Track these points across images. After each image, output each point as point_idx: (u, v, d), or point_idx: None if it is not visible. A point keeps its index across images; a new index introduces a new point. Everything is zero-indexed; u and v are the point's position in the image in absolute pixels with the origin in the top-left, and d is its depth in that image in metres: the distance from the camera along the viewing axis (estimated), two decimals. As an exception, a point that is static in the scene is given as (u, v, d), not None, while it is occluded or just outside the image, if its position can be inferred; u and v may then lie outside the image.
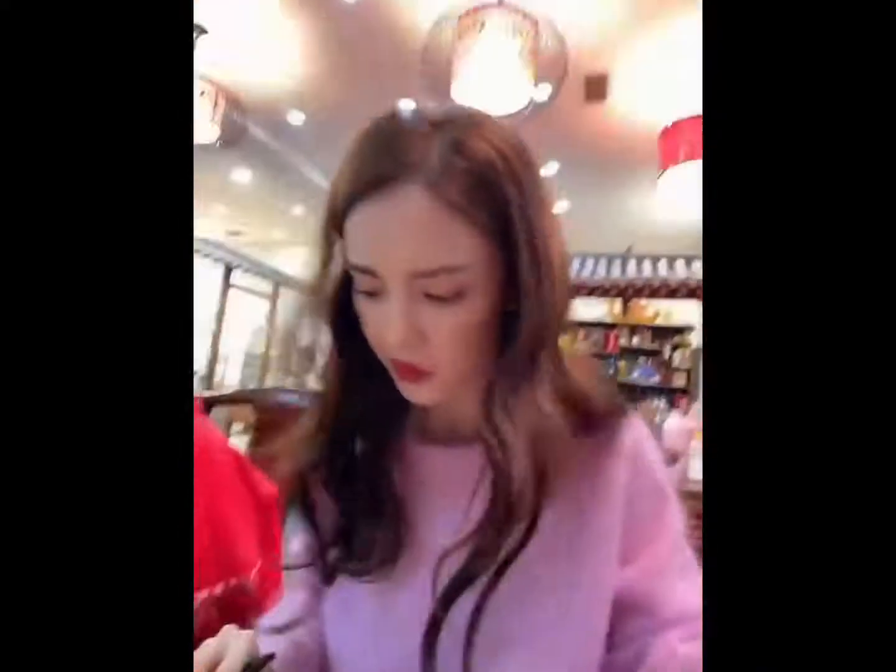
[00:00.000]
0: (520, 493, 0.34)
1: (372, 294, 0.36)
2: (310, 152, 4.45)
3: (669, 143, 2.59)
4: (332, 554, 0.42)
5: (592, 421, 0.39)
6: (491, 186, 0.34)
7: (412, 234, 0.33)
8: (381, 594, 0.41)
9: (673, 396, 5.27)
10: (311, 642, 0.44)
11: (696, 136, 2.40)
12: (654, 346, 5.65)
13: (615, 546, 0.38)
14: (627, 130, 3.31)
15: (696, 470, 2.47)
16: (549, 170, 4.16)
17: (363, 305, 0.37)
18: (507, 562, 0.34)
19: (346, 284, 0.38)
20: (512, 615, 0.36)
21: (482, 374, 0.38)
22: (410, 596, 0.40)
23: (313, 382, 0.43)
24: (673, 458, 2.53)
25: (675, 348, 5.64)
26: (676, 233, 5.07)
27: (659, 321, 5.65)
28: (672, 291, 3.46)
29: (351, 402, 0.41)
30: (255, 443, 0.96)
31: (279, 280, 5.49)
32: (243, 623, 0.39)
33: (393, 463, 0.42)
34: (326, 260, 0.38)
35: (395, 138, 0.34)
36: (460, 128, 0.34)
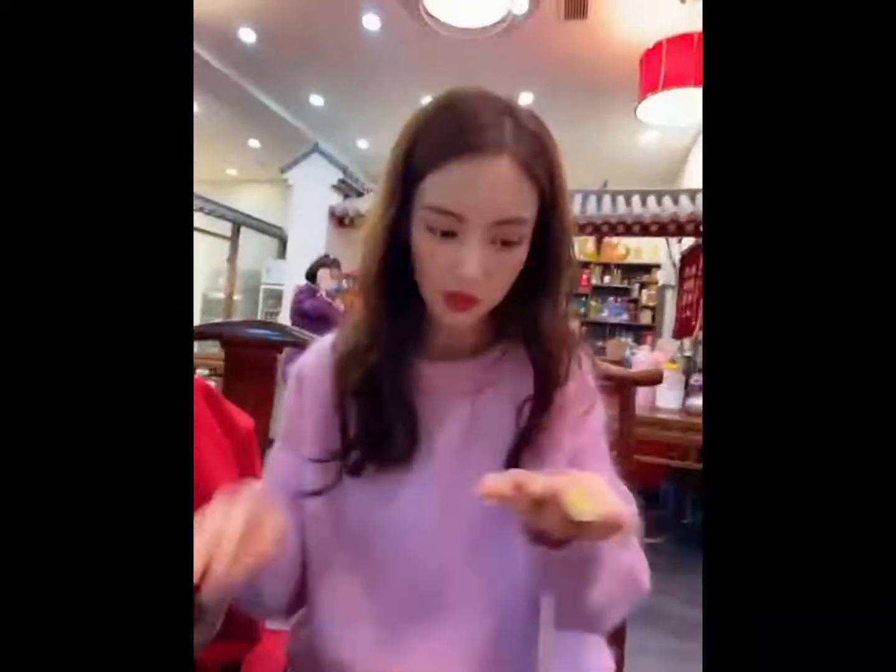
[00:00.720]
0: (555, 382, 0.48)
1: (446, 234, 0.43)
2: (265, 76, 4.10)
3: (650, 68, 2.45)
4: (355, 454, 0.49)
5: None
6: (542, 154, 0.44)
7: (501, 191, 0.42)
8: (394, 484, 0.49)
9: (640, 333, 5.41)
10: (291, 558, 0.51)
11: (677, 59, 2.28)
12: (624, 284, 5.72)
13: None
14: (607, 54, 3.14)
15: (664, 399, 2.55)
16: (523, 100, 3.97)
17: (430, 243, 0.44)
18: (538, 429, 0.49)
19: (396, 225, 0.46)
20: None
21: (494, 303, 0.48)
22: (419, 486, 0.49)
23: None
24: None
25: (642, 287, 5.73)
26: (652, 167, 5.00)
27: (629, 259, 5.69)
28: (644, 228, 3.43)
29: (388, 325, 0.48)
30: (228, 390, 0.88)
31: (238, 220, 5.18)
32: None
33: (407, 377, 0.50)
34: (391, 202, 0.45)
35: (479, 114, 0.43)
36: (515, 109, 0.44)
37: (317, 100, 4.63)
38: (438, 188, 0.42)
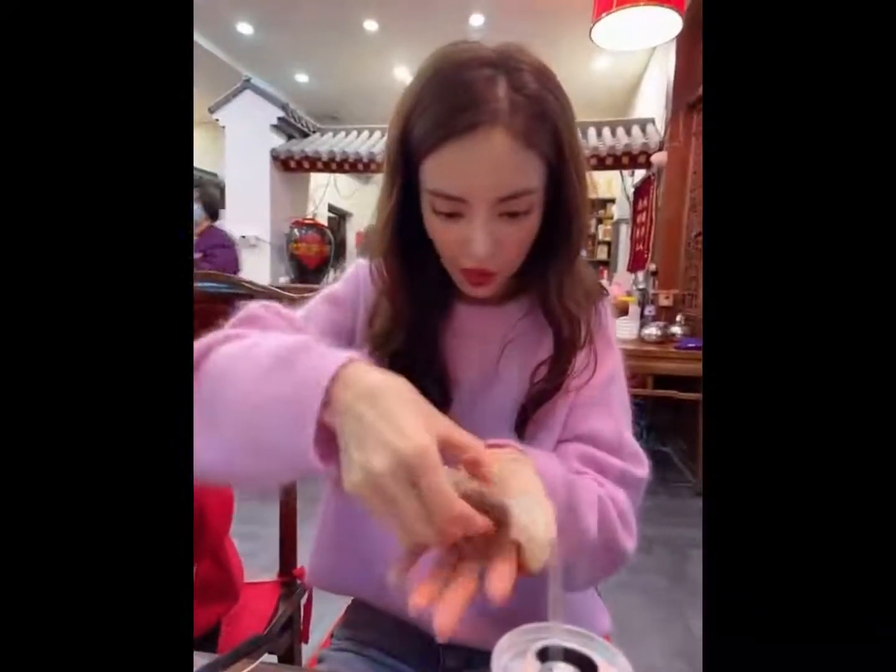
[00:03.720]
0: (572, 345, 0.48)
1: (452, 215, 0.43)
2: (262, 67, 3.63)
3: (604, -15, 2.33)
4: None
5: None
6: (545, 117, 0.41)
7: (499, 168, 0.40)
8: None
9: (597, 268, 5.49)
10: None
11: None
12: (580, 220, 5.71)
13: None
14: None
15: (623, 330, 2.62)
16: (473, 22, 3.73)
17: (439, 225, 0.44)
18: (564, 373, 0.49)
19: (403, 206, 0.45)
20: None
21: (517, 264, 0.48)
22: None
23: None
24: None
25: (598, 222, 5.76)
26: (606, 94, 4.89)
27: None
28: (601, 161, 3.40)
29: (411, 286, 0.49)
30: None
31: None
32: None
33: (440, 319, 0.52)
34: (394, 186, 0.45)
35: (469, 87, 0.39)
36: (513, 68, 0.41)
37: (245, 28, 4.19)
38: (437, 172, 0.42)
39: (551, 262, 0.48)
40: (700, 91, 2.94)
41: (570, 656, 0.25)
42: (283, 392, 0.31)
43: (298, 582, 0.87)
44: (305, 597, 0.86)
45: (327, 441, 0.30)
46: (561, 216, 0.45)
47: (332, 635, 0.60)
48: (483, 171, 0.40)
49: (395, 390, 0.29)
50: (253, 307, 0.45)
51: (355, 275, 0.55)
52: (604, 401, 0.50)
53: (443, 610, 0.27)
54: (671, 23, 2.31)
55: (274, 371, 0.32)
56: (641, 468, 0.48)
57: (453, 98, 0.40)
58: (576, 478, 0.43)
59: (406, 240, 0.47)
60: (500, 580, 0.28)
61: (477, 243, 0.42)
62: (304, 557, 0.88)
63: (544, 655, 0.25)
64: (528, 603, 0.39)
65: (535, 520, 0.29)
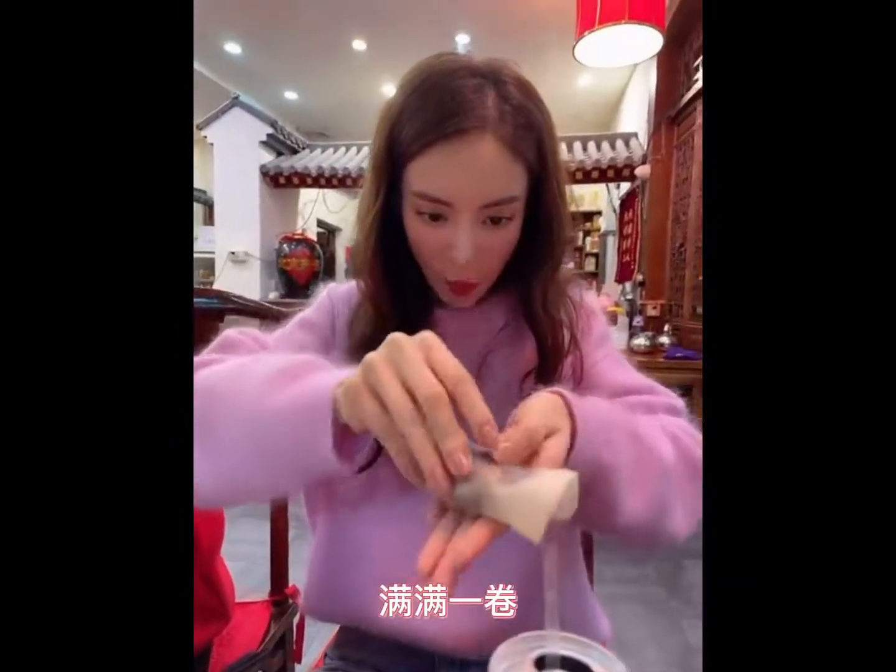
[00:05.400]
0: (556, 354, 0.48)
1: (436, 219, 0.43)
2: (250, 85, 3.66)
3: (586, 5, 2.39)
4: None
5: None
6: (531, 127, 0.42)
7: (486, 174, 0.40)
8: None
9: (586, 280, 5.52)
10: None
11: (613, -5, 2.23)
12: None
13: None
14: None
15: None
16: (459, 41, 3.80)
17: (422, 229, 0.44)
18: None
19: (387, 210, 0.45)
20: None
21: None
22: None
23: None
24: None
25: (586, 234, 5.82)
26: (590, 110, 4.98)
27: (572, 207, 5.73)
28: (586, 174, 3.45)
29: (392, 290, 0.48)
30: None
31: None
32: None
33: (421, 326, 0.50)
34: (378, 191, 0.44)
35: (457, 94, 0.40)
36: (499, 80, 0.41)
37: (233, 48, 4.23)
38: (423, 175, 0.41)
39: (533, 271, 0.47)
40: (681, 105, 3.01)
41: (568, 664, 0.25)
42: (295, 401, 0.32)
43: (290, 601, 0.85)
44: (298, 616, 0.84)
45: (342, 440, 0.31)
46: (542, 225, 0.46)
47: (325, 655, 0.59)
48: (471, 176, 0.40)
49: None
50: (230, 333, 0.46)
51: (328, 298, 0.54)
52: (616, 358, 0.51)
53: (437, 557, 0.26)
54: (652, 40, 2.37)
55: (279, 384, 0.33)
56: (679, 400, 0.47)
57: (442, 103, 0.40)
58: (631, 414, 0.40)
59: (389, 245, 0.46)
60: (466, 541, 0.26)
61: (459, 248, 0.42)
62: (295, 576, 0.87)
63: (542, 664, 0.25)
64: (522, 615, 0.38)
65: (532, 491, 0.26)
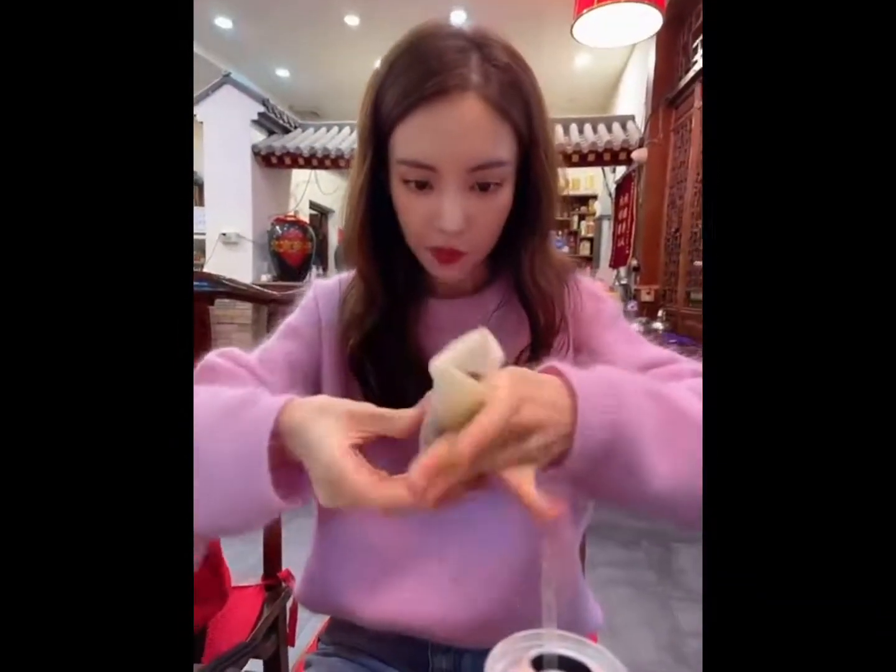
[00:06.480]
0: (549, 329, 0.47)
1: (422, 187, 0.41)
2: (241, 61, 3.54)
3: (585, -19, 2.34)
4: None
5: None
6: (517, 87, 0.40)
7: (470, 134, 0.39)
8: None
9: (580, 265, 5.52)
10: None
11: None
12: (564, 216, 5.77)
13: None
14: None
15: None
16: (455, 18, 3.71)
17: (407, 196, 0.42)
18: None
19: (373, 180, 0.44)
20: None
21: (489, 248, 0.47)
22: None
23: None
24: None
25: (581, 218, 5.80)
26: (587, 91, 4.92)
27: (568, 190, 5.70)
28: (583, 157, 3.41)
29: (382, 286, 0.48)
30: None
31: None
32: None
33: (412, 313, 0.50)
34: (365, 159, 0.43)
35: (442, 55, 0.39)
36: (485, 43, 0.40)
37: (224, 22, 4.11)
38: (407, 140, 0.40)
39: (523, 240, 0.47)
40: (679, 87, 2.97)
41: (565, 663, 0.25)
42: (232, 446, 0.33)
43: (283, 585, 0.85)
44: (291, 600, 0.85)
45: (282, 479, 0.32)
46: (532, 194, 0.44)
47: (318, 639, 0.59)
48: (454, 138, 0.39)
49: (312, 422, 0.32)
50: (210, 357, 0.45)
51: (313, 298, 0.53)
52: (631, 336, 0.50)
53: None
54: (651, 19, 2.33)
55: (219, 426, 0.34)
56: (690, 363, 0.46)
57: (424, 65, 0.39)
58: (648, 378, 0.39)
59: (378, 219, 0.45)
60: (420, 471, 0.28)
61: (447, 216, 0.40)
62: (288, 560, 0.87)
63: (539, 663, 0.25)
64: (516, 603, 0.38)
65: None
